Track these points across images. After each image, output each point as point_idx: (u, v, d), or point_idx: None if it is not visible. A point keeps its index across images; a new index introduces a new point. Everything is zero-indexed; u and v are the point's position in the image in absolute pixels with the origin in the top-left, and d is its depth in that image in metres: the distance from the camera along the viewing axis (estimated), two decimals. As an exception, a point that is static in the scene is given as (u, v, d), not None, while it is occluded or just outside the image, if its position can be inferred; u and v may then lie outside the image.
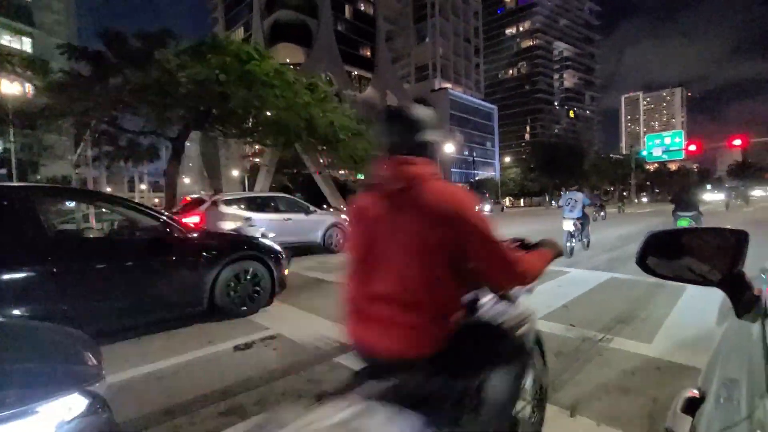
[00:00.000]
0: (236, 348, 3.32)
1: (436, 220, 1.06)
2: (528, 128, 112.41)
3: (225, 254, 4.07)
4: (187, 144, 16.17)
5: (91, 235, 3.83)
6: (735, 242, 1.02)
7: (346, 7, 58.29)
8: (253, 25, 53.11)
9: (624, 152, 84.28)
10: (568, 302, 4.48)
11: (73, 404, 1.25)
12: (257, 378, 2.73)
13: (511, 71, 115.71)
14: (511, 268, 1.13)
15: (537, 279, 1.21)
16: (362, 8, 61.09)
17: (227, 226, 7.42)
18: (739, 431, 0.48)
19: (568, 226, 7.76)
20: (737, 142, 28.54)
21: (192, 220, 7.17)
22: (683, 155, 34.56)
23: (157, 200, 40.41)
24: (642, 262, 1.13)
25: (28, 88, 14.44)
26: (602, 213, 18.49)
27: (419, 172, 1.12)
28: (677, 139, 34.14)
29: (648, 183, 68.31)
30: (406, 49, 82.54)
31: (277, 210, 8.85)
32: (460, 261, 1.09)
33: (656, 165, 64.86)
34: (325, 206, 20.13)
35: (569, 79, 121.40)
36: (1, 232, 3.00)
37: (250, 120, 13.70)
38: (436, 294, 1.09)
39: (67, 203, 8.71)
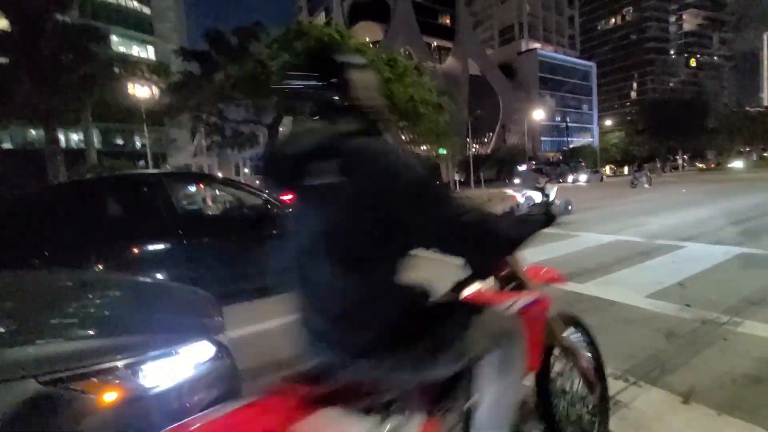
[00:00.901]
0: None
1: None
2: (634, 85, 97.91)
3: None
4: (281, 129, 17.52)
5: (211, 213, 4.46)
6: None
7: (424, -26, 56.03)
8: (333, 8, 54.30)
9: (766, 103, 68.72)
10: (684, 280, 3.93)
11: (204, 349, 1.51)
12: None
13: (613, 20, 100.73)
14: None
15: None
16: (440, -28, 58.14)
17: None
18: None
19: None
20: None
21: (287, 197, 7.91)
22: None
23: (258, 182, 44.83)
24: None
25: (155, 90, 16.90)
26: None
27: None
28: None
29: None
30: (488, 10, 76.86)
31: None
32: None
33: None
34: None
35: (690, 21, 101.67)
36: (143, 212, 3.67)
37: (334, 102, 14.27)
38: None
39: (190, 187, 10.13)
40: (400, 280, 0.90)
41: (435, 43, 57.36)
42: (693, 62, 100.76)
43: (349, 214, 0.84)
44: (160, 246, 3.52)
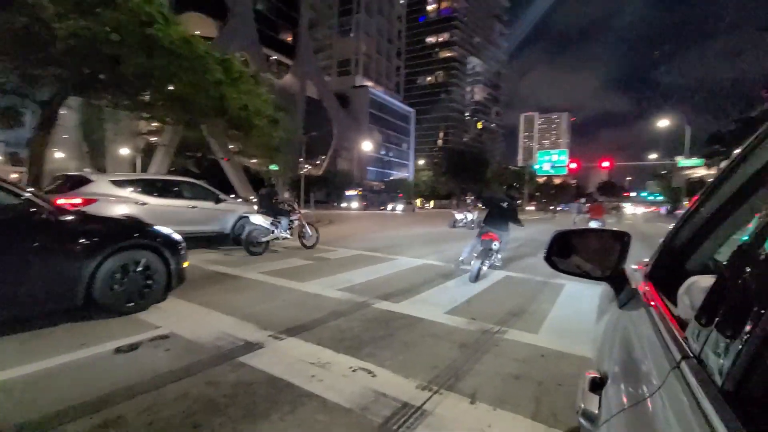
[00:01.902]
0: (118, 350, 2.88)
1: None
2: (441, 134, 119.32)
3: (110, 242, 3.50)
4: (63, 111, 13.70)
5: None
6: (620, 243, 1.17)
7: (268, -15, 55.15)
8: (157, -14, 47.13)
9: (520, 164, 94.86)
10: (471, 297, 4.83)
11: None
12: (143, 384, 2.39)
13: (429, 78, 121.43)
14: None
15: None
16: (286, -10, 58.36)
17: (118, 210, 6.64)
18: (653, 402, 0.53)
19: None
20: (606, 164, 34.08)
21: (72, 201, 6.27)
22: (566, 171, 40.07)
23: (15, 175, 33.65)
24: (549, 258, 1.24)
25: None
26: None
27: None
28: (562, 157, 39.47)
29: (537, 193, 77.88)
30: (329, 40, 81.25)
31: (180, 196, 8.08)
32: None
33: (545, 178, 74.21)
34: (232, 195, 18.83)
35: (479, 93, 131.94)
36: None
37: (149, 92, 12.08)
38: None
39: None
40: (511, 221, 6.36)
41: (274, 57, 56.51)
42: (479, 125, 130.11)
43: (508, 209, 6.27)
44: None
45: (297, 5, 59.39)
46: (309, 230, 8.87)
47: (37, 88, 11.30)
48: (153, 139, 36.93)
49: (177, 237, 4.18)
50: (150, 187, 7.55)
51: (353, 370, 2.70)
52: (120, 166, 36.10)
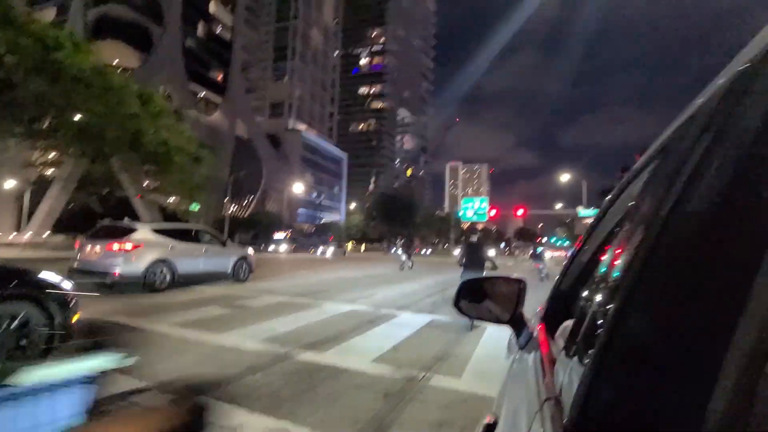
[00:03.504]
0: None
1: None
2: (373, 179, 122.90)
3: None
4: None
5: None
6: (517, 288, 1.28)
7: (200, 24, 54.62)
8: (71, 10, 43.95)
9: (446, 210, 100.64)
10: (397, 344, 4.79)
11: None
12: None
13: (361, 126, 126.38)
14: None
15: None
16: (218, 30, 58.23)
17: (156, 252, 8.12)
18: None
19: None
20: (520, 212, 37.66)
21: (125, 247, 7.74)
22: (486, 218, 43.41)
23: None
24: (457, 304, 1.31)
25: None
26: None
27: None
28: (483, 204, 42.89)
29: (463, 237, 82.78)
30: (262, 82, 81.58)
31: (197, 240, 9.51)
32: None
33: (468, 223, 79.36)
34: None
35: (408, 143, 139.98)
36: None
37: (47, 120, 10.81)
38: None
39: None
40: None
41: (203, 93, 54.90)
42: (409, 172, 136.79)
43: (481, 245, 7.37)
44: None
45: (230, 47, 59.32)
46: (411, 263, 16.28)
47: None
48: (49, 171, 32.63)
49: (66, 285, 3.61)
50: (176, 233, 9.08)
51: (269, 432, 2.46)
52: (3, 201, 31.08)
